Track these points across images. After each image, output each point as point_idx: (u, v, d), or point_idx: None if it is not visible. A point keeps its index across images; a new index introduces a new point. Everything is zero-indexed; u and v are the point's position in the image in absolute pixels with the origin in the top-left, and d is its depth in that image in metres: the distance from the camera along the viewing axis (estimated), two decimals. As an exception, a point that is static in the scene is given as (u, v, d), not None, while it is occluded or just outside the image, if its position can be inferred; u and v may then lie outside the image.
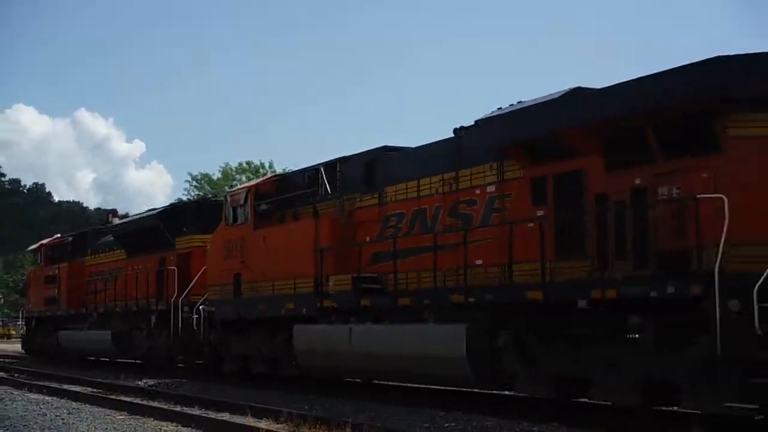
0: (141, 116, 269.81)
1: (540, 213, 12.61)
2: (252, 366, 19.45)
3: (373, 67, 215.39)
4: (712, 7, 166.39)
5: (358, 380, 17.84)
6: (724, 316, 9.72)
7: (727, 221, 9.94)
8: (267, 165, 52.12)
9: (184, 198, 49.14)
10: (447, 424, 11.95)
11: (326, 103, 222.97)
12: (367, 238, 16.19)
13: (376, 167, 16.68)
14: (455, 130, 15.11)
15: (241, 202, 19.73)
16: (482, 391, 14.97)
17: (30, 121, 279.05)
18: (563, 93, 13.33)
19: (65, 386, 19.26)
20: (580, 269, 11.86)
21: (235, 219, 19.97)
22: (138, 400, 16.02)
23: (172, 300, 22.51)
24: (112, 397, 16.60)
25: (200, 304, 21.09)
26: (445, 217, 14.68)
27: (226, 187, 42.62)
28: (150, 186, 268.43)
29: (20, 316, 35.88)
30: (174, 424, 12.84)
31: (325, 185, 17.68)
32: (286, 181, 19.74)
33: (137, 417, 13.81)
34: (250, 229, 19.31)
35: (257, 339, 19.15)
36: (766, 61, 10.63)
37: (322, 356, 16.61)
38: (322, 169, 18.13)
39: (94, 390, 19.01)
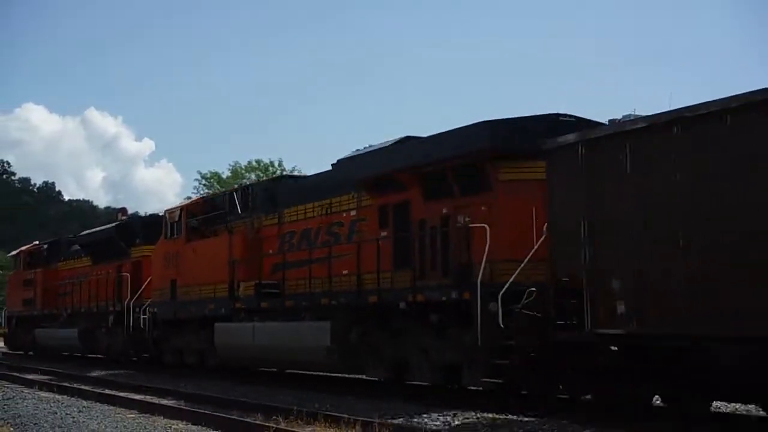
0: (150, 115, 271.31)
1: (384, 234, 16.13)
2: (185, 358, 23.00)
3: (380, 65, 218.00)
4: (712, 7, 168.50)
5: (266, 371, 21.27)
6: (483, 315, 13.16)
7: (488, 244, 13.41)
8: (276, 163, 52.27)
9: (193, 197, 48.05)
10: (457, 423, 11.99)
11: (335, 100, 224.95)
12: (270, 251, 19.64)
13: (277, 192, 20.21)
14: (332, 164, 18.82)
15: (177, 218, 23.10)
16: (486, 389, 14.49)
17: (40, 120, 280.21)
18: (396, 141, 17.07)
19: (76, 385, 19.44)
20: (408, 278, 15.32)
21: (172, 233, 23.33)
22: (148, 399, 16.12)
23: (125, 302, 25.75)
24: (122, 395, 16.74)
25: (146, 306, 24.57)
26: (323, 235, 18.04)
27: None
28: (160, 184, 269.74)
29: (2, 316, 38.87)
30: (184, 422, 12.87)
31: (238, 207, 21.03)
32: (211, 201, 23.07)
33: (147, 415, 13.89)
34: (183, 242, 22.75)
35: (189, 335, 22.61)
36: (525, 124, 14.19)
37: (235, 349, 20.15)
38: (235, 193, 21.69)
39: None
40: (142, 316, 24.54)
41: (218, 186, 50.04)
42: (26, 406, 15.37)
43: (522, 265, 12.90)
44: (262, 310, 19.24)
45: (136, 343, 25.46)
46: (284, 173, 44.86)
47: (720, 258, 10.18)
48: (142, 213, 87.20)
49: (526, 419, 11.72)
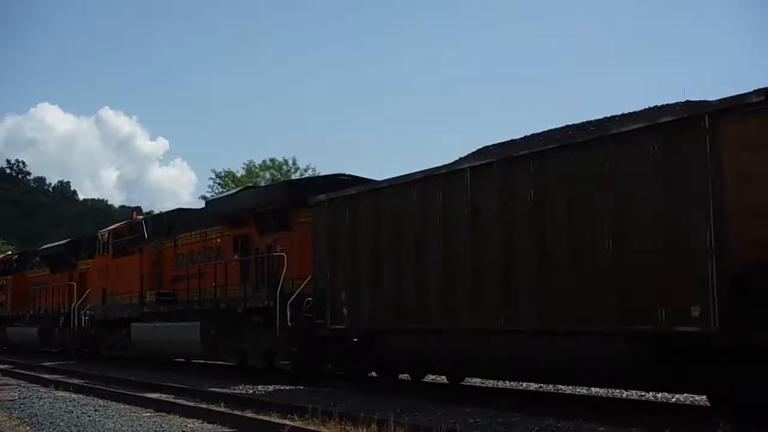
0: (165, 114, 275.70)
1: (234, 257, 21.78)
2: (114, 351, 28.92)
3: (397, 64, 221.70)
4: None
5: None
6: (281, 317, 18.83)
7: (285, 267, 19.10)
8: (290, 161, 51.84)
9: (209, 196, 49.62)
10: (472, 420, 11.91)
11: (350, 99, 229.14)
12: (168, 268, 25.40)
13: (173, 222, 26.04)
14: (206, 202, 25.34)
15: (106, 239, 28.96)
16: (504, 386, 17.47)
17: (55, 119, 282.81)
18: (240, 189, 24.32)
19: (91, 384, 19.77)
20: (245, 290, 20.85)
21: (104, 251, 29.10)
22: (164, 398, 16.16)
23: (72, 306, 31.38)
24: (138, 394, 16.86)
25: (86, 309, 30.30)
26: (200, 257, 23.69)
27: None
28: (174, 183, 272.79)
29: None
30: (200, 421, 12.87)
31: (146, 232, 26.95)
32: (131, 226, 28.29)
33: (163, 414, 13.89)
34: (111, 258, 28.56)
35: (115, 333, 28.36)
36: (314, 181, 21.27)
37: (145, 343, 25.96)
38: (145, 221, 27.66)
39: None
40: (84, 318, 30.33)
41: (233, 185, 49.80)
42: (42, 405, 15.55)
43: (305, 281, 18.65)
44: (162, 313, 25.14)
45: (80, 339, 31.00)
46: (300, 171, 49.90)
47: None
48: (156, 212, 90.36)
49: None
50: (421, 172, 15.61)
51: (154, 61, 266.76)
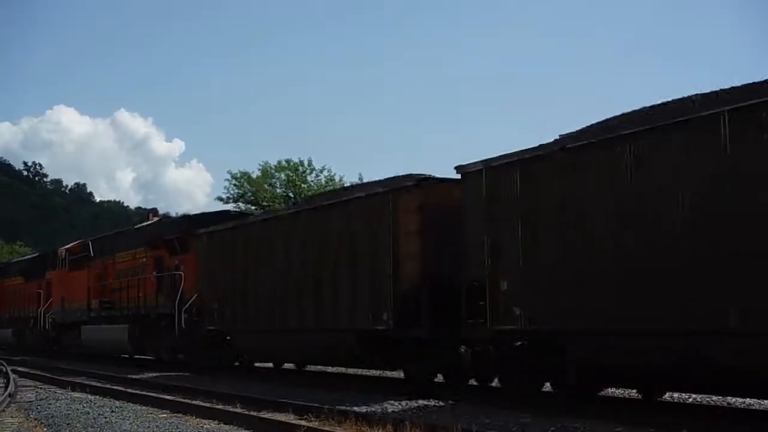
0: (181, 115, 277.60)
1: (154, 274, 26.77)
2: (70, 349, 33.84)
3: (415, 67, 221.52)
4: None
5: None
6: (178, 321, 24.16)
7: (183, 282, 24.53)
8: (306, 162, 51.42)
9: (224, 197, 51.98)
10: (488, 421, 11.94)
11: (367, 99, 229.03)
12: (109, 280, 30.55)
13: (114, 243, 31.45)
14: (135, 228, 31.66)
15: (64, 256, 34.73)
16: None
17: (71, 121, 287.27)
18: (158, 220, 32.37)
19: (108, 385, 19.86)
20: (159, 301, 26.11)
21: (62, 265, 34.87)
22: (180, 398, 16.11)
23: (39, 310, 36.37)
24: (154, 395, 16.98)
25: (50, 314, 35.48)
26: (132, 272, 28.55)
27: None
28: (190, 184, 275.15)
29: None
30: (216, 422, 12.92)
31: (92, 251, 32.60)
32: (84, 245, 33.71)
33: (179, 415, 13.93)
34: (67, 271, 34.39)
35: (71, 333, 33.33)
36: (206, 216, 26.96)
37: (93, 342, 31.24)
38: (92, 242, 33.26)
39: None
40: (48, 321, 35.73)
41: (248, 186, 50.73)
42: (59, 406, 15.60)
43: (196, 294, 24.17)
44: (104, 318, 30.28)
45: (45, 339, 36.00)
46: (315, 172, 51.18)
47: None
48: (173, 213, 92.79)
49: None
50: (264, 212, 22.59)
51: (170, 62, 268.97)
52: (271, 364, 24.68)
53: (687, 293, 10.92)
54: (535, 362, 13.77)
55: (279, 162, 51.67)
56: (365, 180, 48.22)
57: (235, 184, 51.69)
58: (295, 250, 19.55)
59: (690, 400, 14.00)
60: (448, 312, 14.85)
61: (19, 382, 21.19)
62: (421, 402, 14.57)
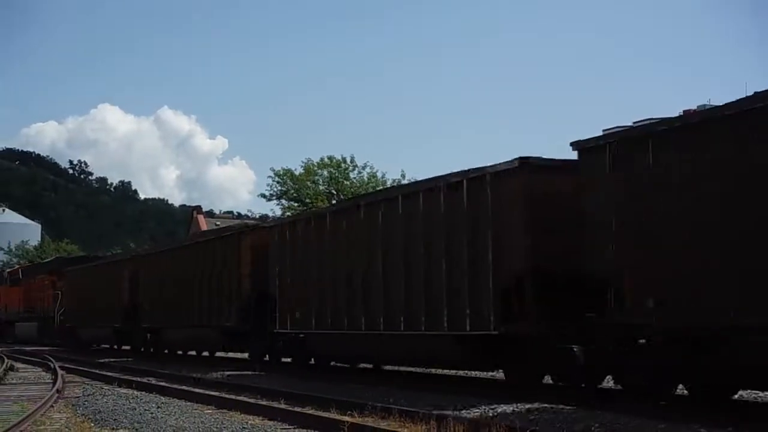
0: (223, 113, 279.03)
1: (53, 292, 43.03)
2: (6, 339, 49.61)
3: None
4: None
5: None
6: (56, 319, 42.43)
7: (60, 299, 42.36)
8: (348, 159, 51.01)
9: (267, 194, 51.73)
10: (532, 417, 11.86)
11: (409, 95, 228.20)
12: (32, 294, 47.47)
13: (33, 269, 51.36)
14: (46, 261, 56.95)
15: (7, 275, 54.08)
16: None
17: (115, 120, 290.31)
18: (54, 258, 58.30)
19: (154, 381, 20.37)
20: (55, 308, 43.33)
21: (6, 282, 53.17)
22: (225, 395, 16.17)
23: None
24: (200, 391, 17.07)
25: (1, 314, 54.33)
26: (44, 289, 45.61)
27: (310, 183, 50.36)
28: (233, 182, 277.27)
29: None
30: (260, 417, 12.91)
31: (21, 274, 51.84)
32: (17, 271, 52.43)
33: (224, 411, 13.96)
34: (9, 287, 52.50)
35: (9, 328, 51.43)
36: (73, 259, 49.95)
37: (21, 333, 48.61)
38: (20, 269, 54.31)
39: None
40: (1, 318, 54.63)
41: (291, 182, 50.47)
42: (106, 402, 15.81)
43: (63, 308, 41.53)
44: (26, 318, 47.52)
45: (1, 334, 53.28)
46: (358, 169, 50.95)
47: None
48: (216, 211, 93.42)
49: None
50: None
51: (212, 59, 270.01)
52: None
53: None
54: (670, 362, 11.96)
55: (321, 159, 51.49)
56: (408, 178, 49.14)
57: (277, 182, 51.65)
58: (399, 247, 17.50)
59: (736, 396, 13.20)
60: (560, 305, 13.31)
61: (66, 378, 21.49)
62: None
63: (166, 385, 18.94)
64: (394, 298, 17.35)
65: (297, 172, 51.18)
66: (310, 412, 12.87)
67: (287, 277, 21.93)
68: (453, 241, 15.63)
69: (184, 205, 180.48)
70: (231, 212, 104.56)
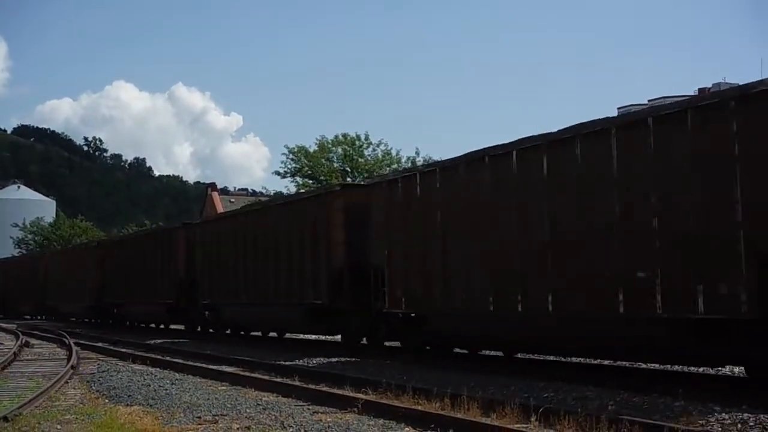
0: (238, 89, 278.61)
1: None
2: None
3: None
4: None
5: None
6: None
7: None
8: (363, 137, 50.94)
9: (281, 171, 51.78)
10: (546, 394, 11.87)
11: (425, 73, 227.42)
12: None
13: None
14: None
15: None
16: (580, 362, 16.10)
17: (130, 97, 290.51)
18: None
19: (168, 358, 20.28)
20: None
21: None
22: (239, 371, 16.24)
23: None
24: (214, 368, 17.05)
25: None
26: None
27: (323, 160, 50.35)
28: (247, 159, 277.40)
29: None
30: (274, 394, 12.91)
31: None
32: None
33: (238, 387, 13.97)
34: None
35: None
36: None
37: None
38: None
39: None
40: None
41: (305, 160, 50.67)
42: (120, 378, 15.87)
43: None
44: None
45: None
46: (373, 146, 50.84)
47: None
48: (231, 188, 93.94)
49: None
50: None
51: (227, 35, 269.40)
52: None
53: None
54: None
55: (336, 136, 51.53)
56: (422, 155, 48.92)
57: (292, 159, 51.73)
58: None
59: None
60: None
61: (81, 354, 21.53)
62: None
63: (181, 361, 18.86)
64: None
65: (311, 150, 51.28)
66: (325, 389, 12.90)
67: (399, 247, 18.13)
68: None
69: (199, 182, 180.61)
70: (246, 189, 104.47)
